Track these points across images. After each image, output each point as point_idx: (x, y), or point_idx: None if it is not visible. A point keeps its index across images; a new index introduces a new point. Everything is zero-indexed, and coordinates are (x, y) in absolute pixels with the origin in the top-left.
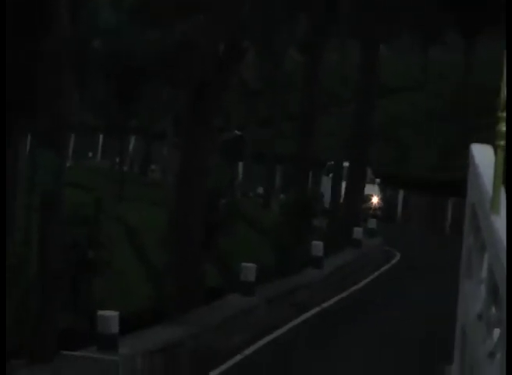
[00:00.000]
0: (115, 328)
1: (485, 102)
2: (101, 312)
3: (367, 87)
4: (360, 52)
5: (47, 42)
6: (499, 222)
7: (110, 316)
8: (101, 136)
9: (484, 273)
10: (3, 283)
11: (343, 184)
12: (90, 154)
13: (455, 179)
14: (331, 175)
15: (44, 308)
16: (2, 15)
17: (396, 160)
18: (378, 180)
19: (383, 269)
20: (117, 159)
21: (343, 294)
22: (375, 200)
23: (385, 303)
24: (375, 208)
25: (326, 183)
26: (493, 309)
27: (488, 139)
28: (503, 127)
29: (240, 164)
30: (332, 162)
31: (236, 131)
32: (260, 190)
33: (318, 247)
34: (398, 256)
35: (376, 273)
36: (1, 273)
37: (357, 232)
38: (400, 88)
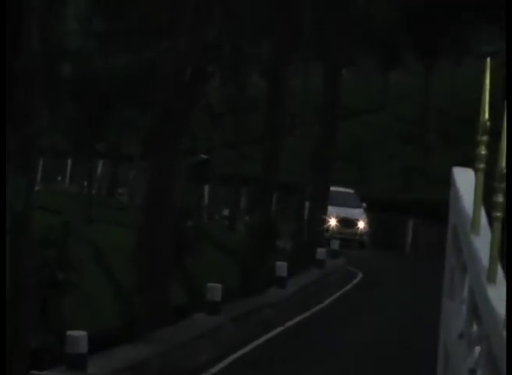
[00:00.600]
0: (83, 348)
1: (445, 124)
2: (70, 332)
3: (330, 109)
4: (323, 76)
5: (16, 61)
6: (479, 242)
7: (79, 336)
8: (69, 160)
9: (465, 293)
10: (3, 282)
11: (307, 205)
12: (59, 178)
13: (416, 199)
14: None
15: (16, 328)
16: (2, 15)
17: (358, 181)
18: (364, 205)
19: (346, 288)
20: (85, 183)
21: (307, 314)
22: (361, 225)
23: (349, 321)
24: (361, 234)
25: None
26: (474, 327)
27: (447, 160)
28: (482, 151)
29: (206, 187)
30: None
31: (202, 155)
32: (226, 212)
33: (281, 267)
34: (360, 275)
35: (339, 293)
36: (1, 271)
37: (321, 253)
38: (362, 110)
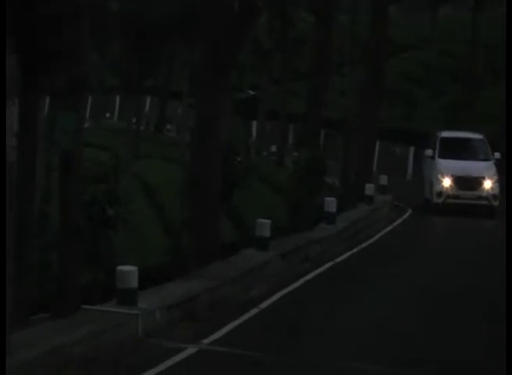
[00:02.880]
0: (134, 283)
1: (494, 60)
2: (120, 268)
3: (377, 45)
4: (371, 11)
5: (64, 2)
6: None
7: (129, 271)
8: (117, 97)
9: None
10: (3, 279)
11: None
12: (108, 114)
13: None
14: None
15: (66, 264)
16: (2, 15)
17: (405, 117)
18: (497, 154)
19: (395, 224)
20: (133, 119)
21: (356, 249)
22: (487, 185)
23: (399, 256)
24: (489, 198)
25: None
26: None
27: (496, 96)
28: None
29: (254, 123)
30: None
31: (250, 91)
32: (273, 148)
33: (330, 203)
34: (409, 212)
35: (389, 228)
36: (1, 269)
37: (369, 188)
38: (410, 46)
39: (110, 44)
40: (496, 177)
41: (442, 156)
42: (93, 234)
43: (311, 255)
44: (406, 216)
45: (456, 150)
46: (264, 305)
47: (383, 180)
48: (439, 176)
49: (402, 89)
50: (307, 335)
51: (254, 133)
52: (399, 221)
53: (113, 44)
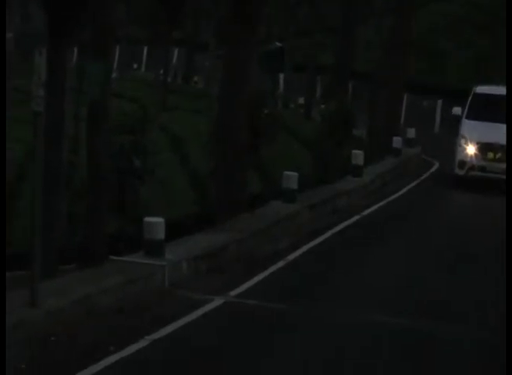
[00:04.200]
0: (161, 234)
1: None
2: (147, 219)
3: None
4: None
5: None
6: None
7: (156, 223)
8: (145, 48)
9: None
10: (3, 277)
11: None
12: (135, 65)
13: None
14: None
15: (93, 214)
16: (2, 15)
17: (432, 70)
18: None
19: (423, 177)
20: (161, 71)
21: (383, 202)
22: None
23: (427, 211)
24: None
25: None
26: None
27: None
28: None
29: (281, 75)
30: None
31: (277, 42)
32: (301, 100)
33: (358, 156)
34: (437, 165)
35: (416, 181)
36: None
37: (397, 141)
38: None
39: None
40: None
41: (470, 117)
42: (120, 185)
43: (338, 207)
44: (433, 169)
45: (490, 110)
46: (291, 257)
47: (410, 133)
48: (462, 141)
49: (429, 42)
50: (331, 289)
51: (281, 86)
52: (426, 175)
53: None
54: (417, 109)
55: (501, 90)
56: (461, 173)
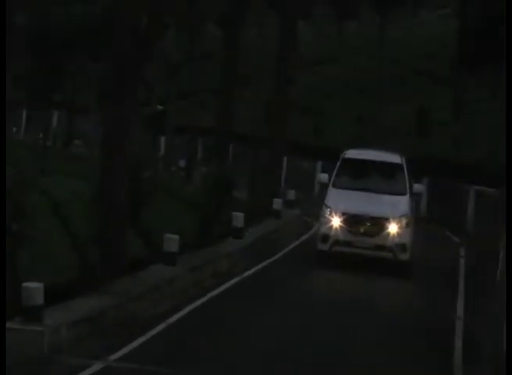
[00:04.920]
0: (39, 299)
1: (400, 74)
2: (25, 284)
3: (285, 59)
4: (278, 26)
5: None
6: None
7: (35, 288)
8: (24, 111)
9: None
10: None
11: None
12: (14, 129)
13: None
14: None
15: None
16: (2, 14)
17: (315, 132)
18: (418, 187)
19: (303, 238)
20: (40, 134)
21: (264, 263)
22: (393, 229)
23: (306, 273)
24: (392, 248)
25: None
26: None
27: (401, 112)
28: None
29: (163, 138)
30: None
31: (159, 105)
32: (182, 163)
33: (238, 218)
34: (316, 226)
35: (297, 242)
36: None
37: (277, 203)
38: (318, 61)
39: (17, 57)
40: (406, 220)
41: (337, 185)
42: None
43: (218, 269)
44: (313, 230)
45: (359, 177)
46: (171, 320)
47: (291, 194)
48: (327, 212)
49: (312, 104)
50: (211, 350)
51: (162, 148)
52: (305, 236)
53: (21, 57)
54: (297, 171)
55: (373, 154)
56: (324, 248)
